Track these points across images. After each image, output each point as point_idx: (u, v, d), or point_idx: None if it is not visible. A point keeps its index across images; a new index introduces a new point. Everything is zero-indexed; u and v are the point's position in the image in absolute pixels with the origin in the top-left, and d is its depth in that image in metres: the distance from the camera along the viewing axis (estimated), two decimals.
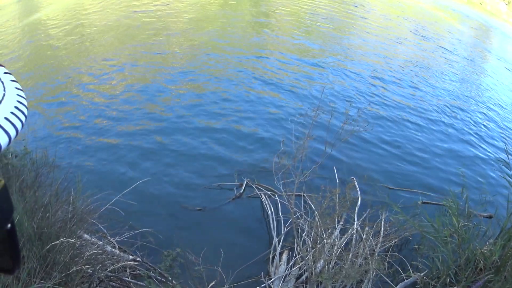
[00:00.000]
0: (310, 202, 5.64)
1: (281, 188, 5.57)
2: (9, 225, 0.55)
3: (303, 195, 5.80)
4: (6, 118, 0.58)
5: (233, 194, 5.96)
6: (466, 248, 3.92)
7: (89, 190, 4.02)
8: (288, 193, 5.45)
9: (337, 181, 6.13)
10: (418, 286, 4.13)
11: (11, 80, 0.68)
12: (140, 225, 4.63)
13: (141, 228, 4.56)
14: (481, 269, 3.84)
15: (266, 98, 9.34)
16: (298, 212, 5.45)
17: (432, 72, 13.97)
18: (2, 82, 0.66)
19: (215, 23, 15.66)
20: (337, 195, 5.36)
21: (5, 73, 0.69)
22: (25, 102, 0.65)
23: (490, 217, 5.38)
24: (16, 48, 12.21)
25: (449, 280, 3.92)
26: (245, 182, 6.17)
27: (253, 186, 6.13)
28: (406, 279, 4.42)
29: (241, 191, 6.04)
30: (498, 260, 3.74)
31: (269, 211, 5.59)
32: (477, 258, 3.86)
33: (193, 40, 13.12)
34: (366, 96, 10.41)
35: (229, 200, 5.88)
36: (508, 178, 4.52)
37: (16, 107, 0.61)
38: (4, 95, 0.62)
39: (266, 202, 5.79)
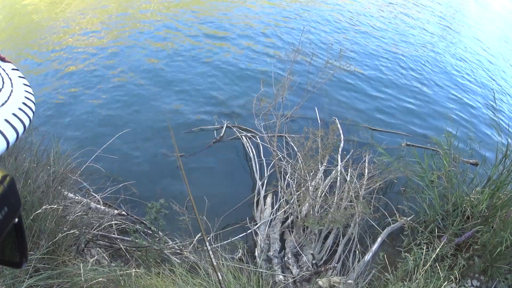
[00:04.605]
0: (292, 144, 5.58)
1: (263, 130, 5.49)
2: (16, 219, 0.56)
3: (285, 136, 5.74)
4: (14, 114, 0.59)
5: (214, 138, 5.84)
6: (454, 192, 3.97)
7: (68, 149, 3.87)
8: (269, 135, 5.38)
9: (319, 122, 6.08)
10: (406, 232, 4.20)
11: (19, 77, 0.69)
12: (122, 179, 4.54)
13: (124, 181, 4.47)
14: (468, 217, 3.91)
15: (243, 40, 8.99)
16: (281, 154, 5.41)
17: (417, 17, 13.63)
18: (10, 78, 0.67)
19: None
20: (319, 136, 5.32)
21: (13, 69, 0.70)
22: (32, 98, 0.66)
23: (476, 164, 5.44)
24: None
25: (437, 226, 4.00)
26: (225, 125, 6.04)
27: (234, 128, 6.02)
28: (393, 224, 4.50)
29: (221, 134, 5.91)
30: (485, 210, 3.80)
31: (251, 153, 5.52)
32: (464, 205, 3.92)
33: None
34: (349, 38, 10.15)
35: (210, 144, 5.77)
36: (495, 125, 4.54)
37: (24, 103, 0.63)
38: (11, 91, 0.63)
39: (248, 144, 5.70)
